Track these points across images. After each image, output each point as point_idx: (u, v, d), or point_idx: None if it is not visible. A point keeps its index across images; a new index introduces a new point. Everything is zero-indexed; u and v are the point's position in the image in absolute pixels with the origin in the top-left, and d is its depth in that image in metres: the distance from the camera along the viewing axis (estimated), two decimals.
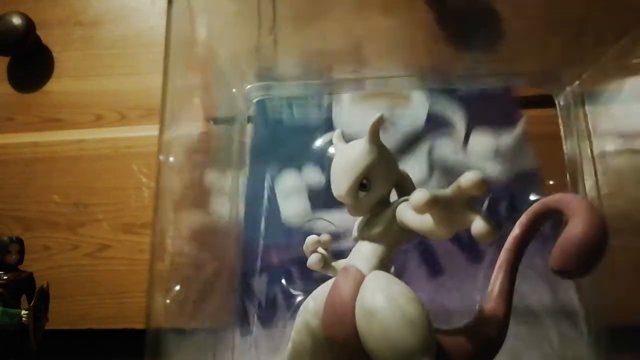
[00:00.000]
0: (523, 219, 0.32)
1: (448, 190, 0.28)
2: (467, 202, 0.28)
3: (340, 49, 0.50)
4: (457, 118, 0.52)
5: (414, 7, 0.45)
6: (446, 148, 0.51)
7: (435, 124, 0.52)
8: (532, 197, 0.34)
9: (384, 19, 0.46)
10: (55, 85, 0.71)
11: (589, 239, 0.27)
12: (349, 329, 0.31)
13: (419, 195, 0.27)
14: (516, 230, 0.32)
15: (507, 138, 0.48)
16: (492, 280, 0.32)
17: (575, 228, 0.28)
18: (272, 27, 0.44)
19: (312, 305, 0.36)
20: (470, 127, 0.51)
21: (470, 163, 0.49)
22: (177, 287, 0.36)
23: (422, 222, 0.30)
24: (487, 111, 0.51)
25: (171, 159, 0.33)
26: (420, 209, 0.28)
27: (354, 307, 0.31)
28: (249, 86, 0.50)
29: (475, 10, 0.45)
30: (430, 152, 0.51)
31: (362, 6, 0.45)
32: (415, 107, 0.53)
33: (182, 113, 0.36)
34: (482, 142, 0.50)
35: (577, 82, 0.47)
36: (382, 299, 0.30)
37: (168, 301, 0.36)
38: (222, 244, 0.47)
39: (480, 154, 0.49)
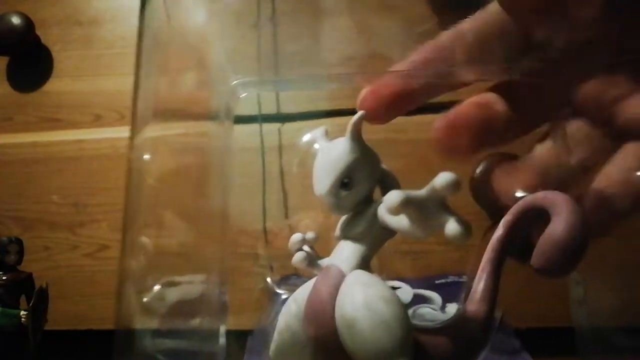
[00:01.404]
0: (508, 218, 0.31)
1: (423, 191, 0.27)
2: (442, 203, 0.27)
3: (339, 42, 0.49)
4: None
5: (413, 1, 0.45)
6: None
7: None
8: (518, 195, 0.32)
9: (384, 13, 0.46)
10: (54, 85, 0.71)
11: (570, 238, 0.26)
12: (328, 329, 0.31)
13: (392, 197, 0.27)
14: (500, 230, 0.31)
15: None
16: (475, 282, 0.31)
17: (556, 227, 0.27)
18: (272, 14, 0.43)
19: (293, 306, 0.35)
20: None
21: None
22: (158, 286, 0.35)
23: (399, 222, 0.30)
24: None
25: (146, 157, 0.32)
26: (394, 210, 0.28)
27: (333, 307, 0.31)
28: (235, 82, 0.50)
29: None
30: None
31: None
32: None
33: (162, 110, 0.36)
34: None
35: None
36: (360, 304, 0.29)
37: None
38: (209, 241, 0.46)
39: None
